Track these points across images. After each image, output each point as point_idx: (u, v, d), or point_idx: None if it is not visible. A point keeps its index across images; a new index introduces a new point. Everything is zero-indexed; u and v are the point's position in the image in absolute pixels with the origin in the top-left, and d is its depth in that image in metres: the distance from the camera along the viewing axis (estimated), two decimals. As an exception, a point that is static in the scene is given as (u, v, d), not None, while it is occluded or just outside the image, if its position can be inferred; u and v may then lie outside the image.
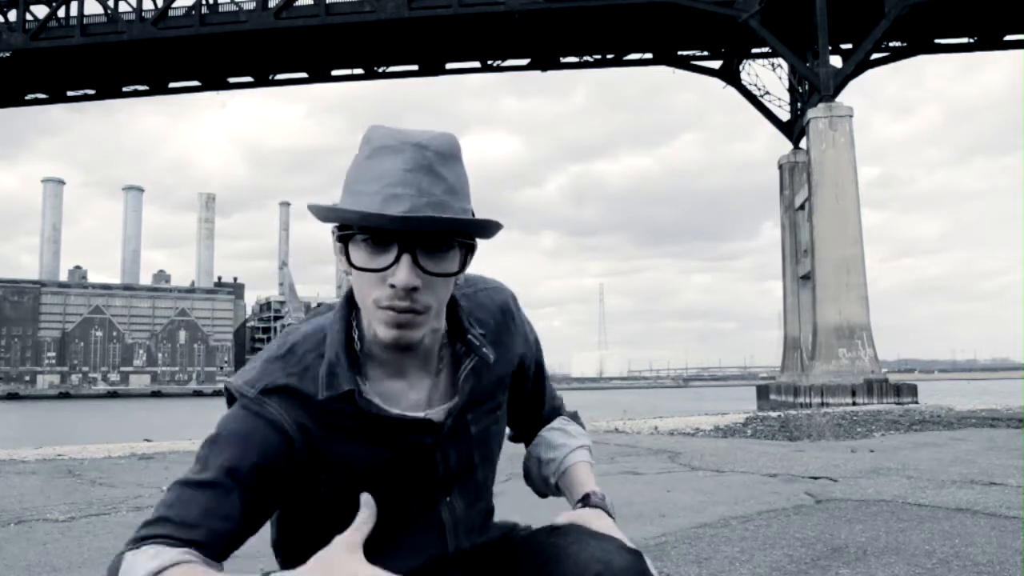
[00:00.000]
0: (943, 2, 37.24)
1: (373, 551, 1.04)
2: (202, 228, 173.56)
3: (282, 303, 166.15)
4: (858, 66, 37.95)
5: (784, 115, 43.37)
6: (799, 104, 41.55)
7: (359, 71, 49.29)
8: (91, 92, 52.07)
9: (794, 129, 41.62)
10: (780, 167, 43.39)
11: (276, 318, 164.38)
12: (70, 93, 52.50)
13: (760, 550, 2.96)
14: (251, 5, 43.17)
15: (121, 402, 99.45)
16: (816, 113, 36.17)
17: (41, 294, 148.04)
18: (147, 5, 44.47)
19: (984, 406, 11.78)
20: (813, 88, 37.69)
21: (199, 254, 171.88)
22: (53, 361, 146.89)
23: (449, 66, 48.50)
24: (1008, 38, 43.50)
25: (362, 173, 0.96)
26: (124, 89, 51.66)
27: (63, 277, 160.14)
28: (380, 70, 49.00)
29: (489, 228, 0.99)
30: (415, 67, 48.63)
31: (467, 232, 0.98)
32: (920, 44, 42.89)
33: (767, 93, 43.77)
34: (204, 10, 43.57)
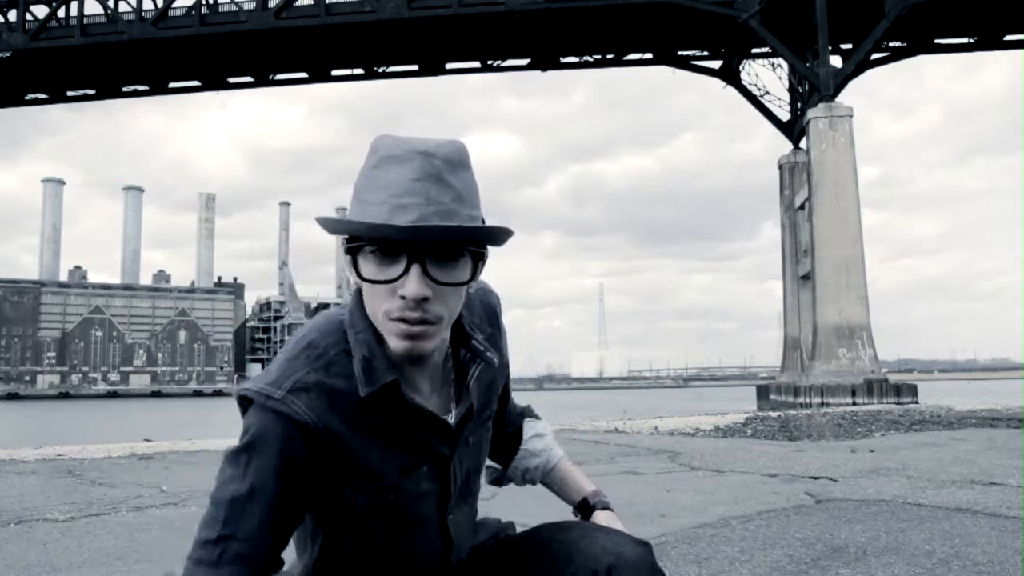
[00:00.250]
0: (943, 2, 37.25)
1: (382, 561, 1.06)
2: (202, 228, 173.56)
3: (282, 303, 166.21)
4: (858, 66, 37.97)
5: (784, 115, 43.41)
6: (799, 104, 41.56)
7: (359, 71, 49.31)
8: (91, 92, 52.10)
9: (794, 129, 41.63)
10: (780, 167, 43.40)
11: (276, 318, 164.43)
12: (70, 93, 52.52)
13: (760, 550, 2.96)
14: (251, 5, 43.18)
15: (121, 402, 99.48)
16: (816, 113, 36.19)
17: (41, 294, 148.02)
18: (147, 5, 44.55)
19: (984, 406, 11.78)
20: (813, 88, 37.71)
21: (199, 254, 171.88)
22: (53, 361, 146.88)
23: (449, 66, 48.53)
24: (1008, 38, 43.52)
25: (369, 183, 0.95)
26: (124, 89, 51.69)
27: (63, 277, 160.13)
28: (380, 70, 49.02)
29: (499, 235, 0.97)
30: (415, 67, 48.66)
31: (477, 240, 0.97)
32: (920, 44, 42.90)
33: (767, 93, 43.81)
34: (204, 10, 43.59)
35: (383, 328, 0.97)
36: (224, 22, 43.42)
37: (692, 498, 4.13)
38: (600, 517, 1.17)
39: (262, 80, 50.16)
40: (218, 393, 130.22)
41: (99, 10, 45.39)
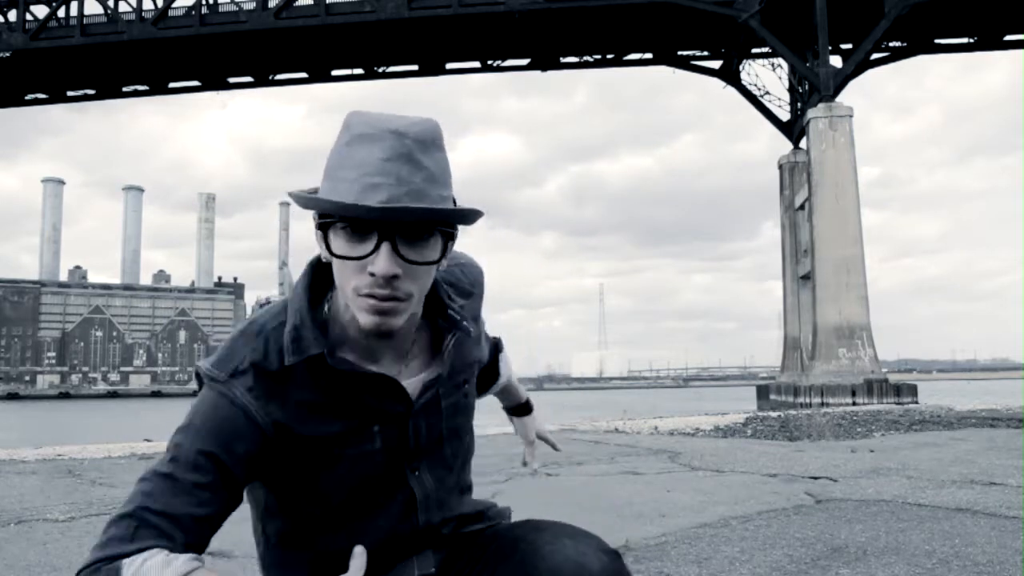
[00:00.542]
0: (943, 2, 37.24)
1: (343, 523, 1.07)
2: (202, 228, 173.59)
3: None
4: (858, 66, 37.96)
5: (784, 115, 43.40)
6: (799, 104, 41.56)
7: (359, 71, 49.30)
8: (91, 92, 52.08)
9: (794, 129, 41.63)
10: (780, 167, 43.40)
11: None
12: (70, 93, 52.51)
13: (760, 550, 2.96)
14: (251, 5, 43.17)
15: (121, 402, 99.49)
16: (816, 113, 36.18)
17: (41, 294, 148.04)
18: (147, 5, 44.52)
19: (984, 406, 11.77)
20: (813, 88, 37.70)
21: (199, 254, 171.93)
22: (53, 361, 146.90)
23: (449, 66, 48.51)
24: (1008, 38, 43.50)
25: (342, 160, 0.96)
26: (124, 89, 51.67)
27: (63, 277, 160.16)
28: (380, 70, 49.01)
29: (468, 216, 0.99)
30: (415, 67, 48.64)
31: (447, 221, 0.98)
32: (920, 44, 42.90)
33: (767, 93, 43.79)
34: (204, 10, 43.58)
35: (352, 303, 0.98)
36: (224, 22, 43.40)
37: (692, 498, 4.13)
38: (528, 420, 1.53)
39: (262, 80, 50.15)
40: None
41: (99, 10, 45.40)
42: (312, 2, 42.31)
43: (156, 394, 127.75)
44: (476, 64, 48.37)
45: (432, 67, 48.40)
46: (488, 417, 2.25)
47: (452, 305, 1.10)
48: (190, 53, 45.49)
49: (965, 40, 43.70)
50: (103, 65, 47.27)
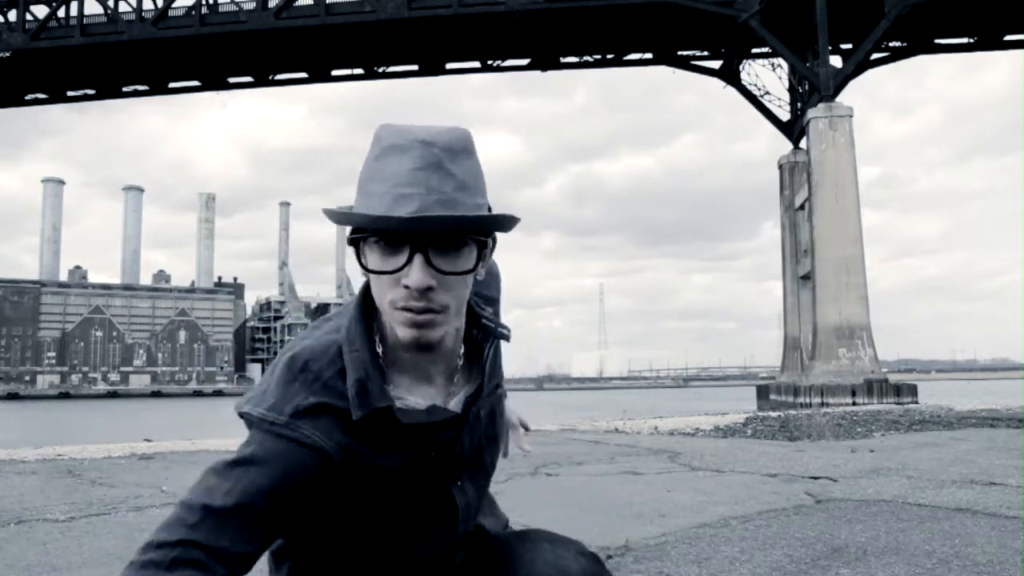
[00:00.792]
0: (943, 2, 37.25)
1: (388, 538, 1.06)
2: (202, 228, 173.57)
3: (282, 303, 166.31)
4: (858, 66, 37.97)
5: (784, 115, 43.41)
6: (799, 104, 41.56)
7: (359, 71, 49.32)
8: (91, 92, 52.12)
9: (794, 129, 41.63)
10: (780, 167, 43.40)
11: (276, 318, 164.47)
12: (70, 93, 52.53)
13: (760, 550, 2.96)
14: (251, 5, 43.18)
15: (121, 402, 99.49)
16: (816, 113, 36.18)
17: (41, 294, 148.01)
18: (147, 5, 44.57)
19: (984, 406, 11.77)
20: (813, 88, 37.71)
21: (199, 254, 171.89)
22: (53, 361, 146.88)
23: (449, 66, 48.54)
24: (1008, 38, 43.52)
25: (372, 174, 0.95)
26: (124, 89, 51.70)
27: (63, 277, 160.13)
28: (380, 70, 49.02)
29: (503, 223, 0.97)
30: (415, 67, 48.67)
31: (480, 229, 0.96)
32: (920, 44, 42.90)
33: (767, 93, 43.82)
34: (204, 10, 43.59)
35: (389, 317, 0.97)
36: (224, 22, 43.42)
37: (692, 498, 4.13)
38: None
39: (262, 80, 50.16)
40: (218, 393, 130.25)
41: (99, 10, 45.43)
42: (312, 2, 42.32)
43: (156, 394, 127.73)
44: (476, 64, 48.41)
45: (432, 67, 48.42)
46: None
47: (484, 314, 1.09)
48: (190, 53, 45.50)
49: (965, 40, 43.72)
50: (103, 65, 47.29)
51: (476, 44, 45.36)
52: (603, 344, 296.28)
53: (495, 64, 48.21)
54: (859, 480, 4.62)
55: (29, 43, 45.03)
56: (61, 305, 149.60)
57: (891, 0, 36.09)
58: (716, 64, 45.38)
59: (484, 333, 1.09)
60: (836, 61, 38.77)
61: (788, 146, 42.74)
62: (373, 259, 0.96)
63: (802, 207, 39.33)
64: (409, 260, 0.93)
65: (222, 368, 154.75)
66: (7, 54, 45.06)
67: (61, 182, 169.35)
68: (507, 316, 1.20)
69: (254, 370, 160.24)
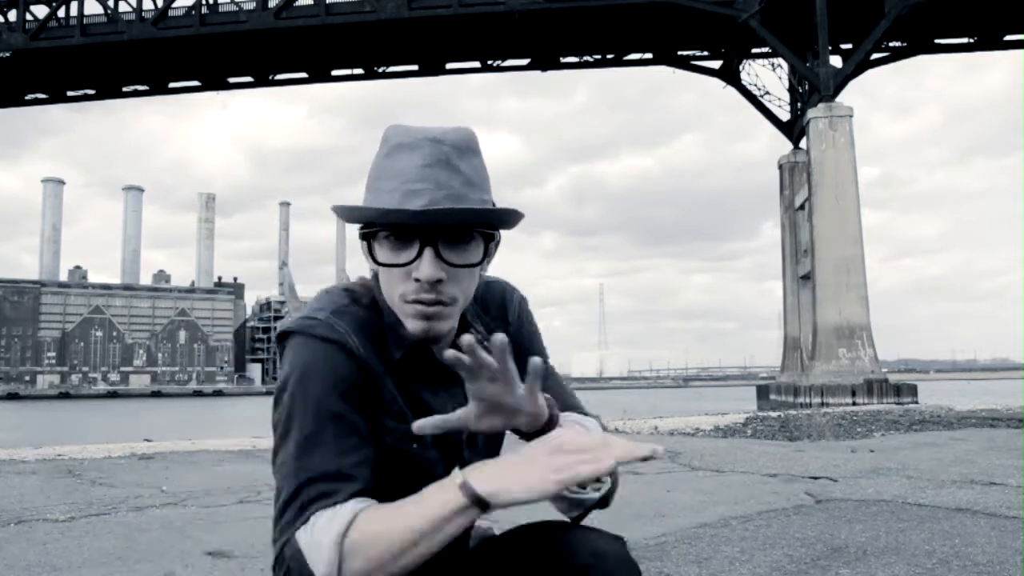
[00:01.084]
0: (943, 2, 37.24)
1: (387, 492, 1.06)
2: (202, 228, 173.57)
3: (282, 303, 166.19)
4: (858, 66, 37.96)
5: (784, 115, 43.40)
6: (799, 104, 41.56)
7: (359, 71, 49.30)
8: (91, 92, 52.09)
9: (794, 129, 41.63)
10: (780, 167, 43.40)
11: (276, 318, 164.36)
12: (70, 93, 52.52)
13: (760, 550, 2.96)
14: (251, 5, 43.17)
15: (121, 402, 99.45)
16: (816, 113, 36.17)
17: (41, 294, 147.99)
18: (147, 5, 44.55)
19: (984, 406, 11.77)
20: (813, 88, 37.70)
21: (199, 254, 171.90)
22: (53, 361, 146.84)
23: (449, 66, 48.52)
24: (1008, 38, 43.51)
25: (382, 171, 0.98)
26: (124, 89, 51.68)
27: (63, 277, 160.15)
28: (380, 70, 49.01)
29: (509, 217, 1.00)
30: (415, 67, 48.65)
31: (487, 223, 0.99)
32: (920, 44, 42.89)
33: (767, 93, 43.80)
34: (204, 10, 43.59)
35: (400, 311, 1.00)
36: (224, 22, 43.41)
37: (692, 498, 4.13)
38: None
39: (262, 80, 50.16)
40: (218, 393, 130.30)
41: (99, 10, 45.40)
42: (312, 2, 42.32)
43: (156, 394, 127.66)
44: (476, 64, 48.39)
45: (432, 67, 48.41)
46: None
47: (474, 324, 1.10)
48: (190, 53, 45.49)
49: (965, 40, 43.71)
50: (103, 65, 47.28)
51: (476, 44, 45.35)
52: (603, 344, 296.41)
53: (495, 64, 48.20)
54: (859, 480, 4.62)
55: (29, 43, 45.02)
56: (61, 305, 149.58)
57: (891, 0, 36.09)
58: (716, 64, 45.37)
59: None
60: (836, 61, 38.78)
61: (788, 146, 42.74)
62: (384, 254, 0.99)
63: (802, 207, 39.33)
64: (419, 253, 0.96)
65: (222, 368, 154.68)
66: (7, 54, 45.06)
67: (61, 182, 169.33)
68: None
69: (254, 370, 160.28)
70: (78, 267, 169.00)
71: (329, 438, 0.94)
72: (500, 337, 0.90)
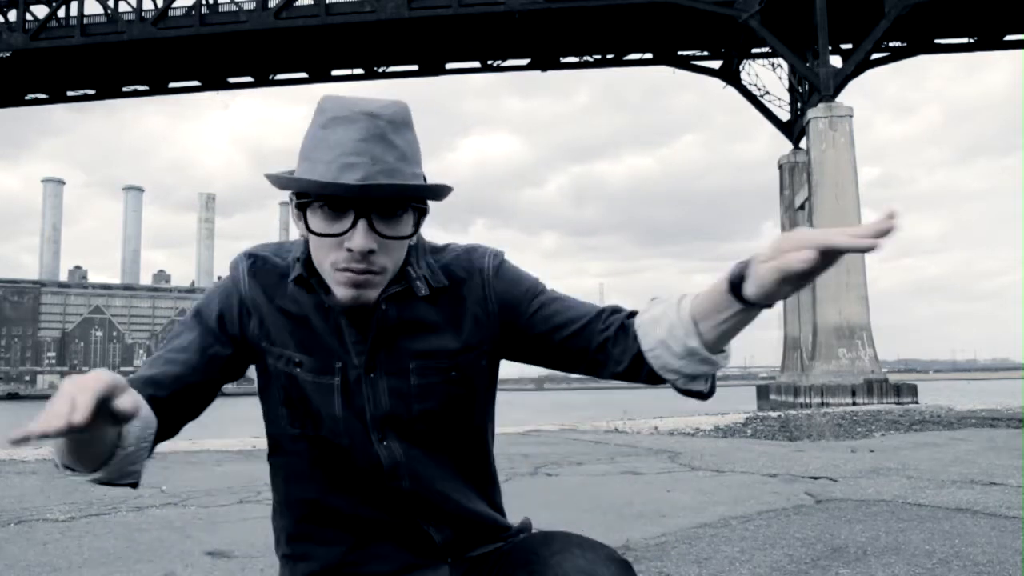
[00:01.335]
0: (943, 2, 37.22)
1: (313, 479, 1.12)
2: (202, 228, 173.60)
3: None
4: (858, 66, 37.94)
5: (784, 115, 43.37)
6: (799, 104, 41.54)
7: (359, 71, 49.26)
8: (91, 92, 52.06)
9: (794, 129, 41.62)
10: (780, 167, 43.39)
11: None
12: (70, 93, 52.49)
13: (760, 550, 2.96)
14: (251, 5, 43.15)
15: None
16: (816, 113, 36.16)
17: (41, 294, 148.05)
18: (147, 5, 44.49)
19: (984, 406, 11.78)
20: (813, 88, 37.69)
21: (199, 254, 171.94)
22: (53, 361, 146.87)
23: (449, 66, 48.49)
24: (1008, 38, 43.48)
25: (318, 142, 1.00)
26: (124, 89, 51.64)
27: (63, 277, 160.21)
28: (380, 70, 48.97)
29: (439, 192, 1.03)
30: (415, 67, 48.61)
31: (420, 197, 1.03)
32: (920, 44, 42.88)
33: (767, 93, 43.76)
34: (204, 10, 43.56)
35: (329, 278, 1.04)
36: (224, 22, 43.38)
37: (692, 498, 4.13)
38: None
39: (262, 80, 50.14)
40: (219, 393, 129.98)
41: (99, 10, 45.36)
42: (312, 2, 42.29)
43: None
44: (476, 64, 48.35)
45: (432, 67, 48.38)
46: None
47: (415, 270, 1.09)
48: (190, 53, 45.47)
49: (965, 40, 43.68)
50: (103, 65, 47.25)
51: (476, 44, 45.33)
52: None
53: (495, 64, 48.17)
54: (859, 480, 4.62)
55: (29, 43, 45.00)
56: (61, 305, 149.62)
57: (891, 0, 36.08)
58: (716, 64, 45.34)
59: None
60: (836, 61, 38.75)
61: (788, 146, 42.72)
62: (317, 223, 1.01)
63: (802, 207, 39.32)
64: (353, 224, 0.99)
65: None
66: (7, 54, 45.03)
67: (61, 182, 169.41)
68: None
69: (254, 370, 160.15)
70: (78, 267, 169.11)
71: (163, 352, 1.09)
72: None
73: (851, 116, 36.08)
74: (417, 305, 1.10)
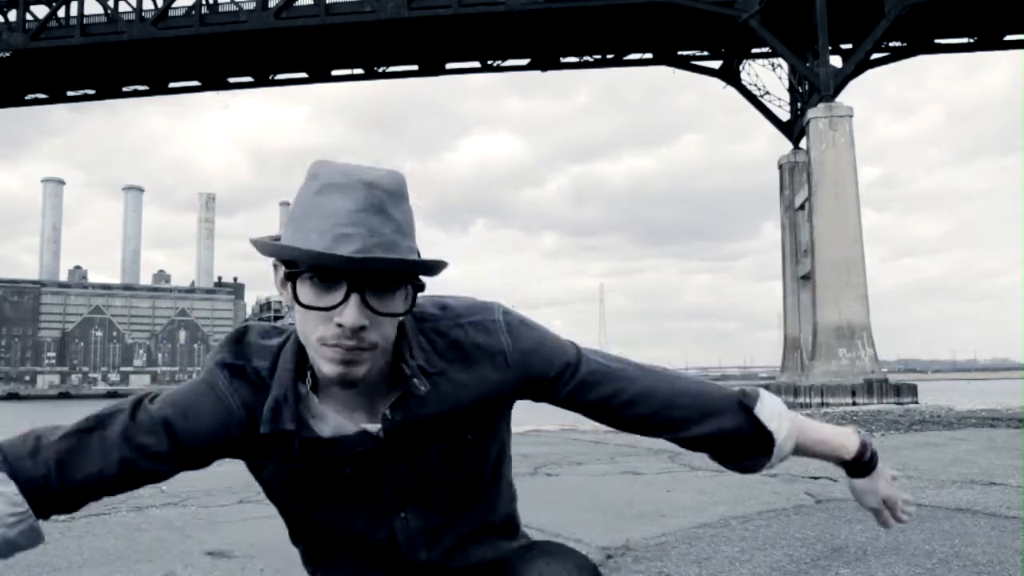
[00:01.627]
0: (943, 2, 37.23)
1: (327, 554, 1.14)
2: (202, 228, 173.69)
3: (281, 303, 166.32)
4: (858, 66, 37.95)
5: (784, 115, 43.38)
6: (799, 104, 41.55)
7: (359, 71, 49.28)
8: (91, 92, 52.06)
9: (794, 129, 41.63)
10: (780, 167, 43.40)
11: (276, 318, 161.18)
12: (70, 93, 52.50)
13: (760, 550, 2.96)
14: (251, 5, 43.16)
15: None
16: (816, 113, 36.17)
17: (41, 294, 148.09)
18: (147, 5, 44.50)
19: (984, 406, 11.77)
20: (813, 88, 37.70)
21: (199, 254, 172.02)
22: (53, 361, 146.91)
23: (449, 66, 48.49)
24: (1008, 38, 43.50)
25: (311, 210, 0.94)
26: (124, 89, 51.65)
27: (63, 277, 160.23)
28: (380, 70, 48.99)
29: (436, 267, 0.98)
30: (415, 67, 48.62)
31: (417, 272, 0.98)
32: (920, 44, 42.89)
33: (767, 93, 43.77)
34: (204, 10, 43.57)
35: (316, 352, 0.97)
36: (224, 22, 43.39)
37: (692, 498, 4.13)
38: (862, 484, 1.36)
39: (262, 80, 50.14)
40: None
41: (99, 10, 45.37)
42: (312, 2, 42.30)
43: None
44: (476, 64, 48.35)
45: (432, 67, 48.39)
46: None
47: (409, 362, 1.04)
48: (190, 53, 45.48)
49: (965, 40, 43.69)
50: (103, 65, 47.26)
51: (476, 44, 45.34)
52: (603, 344, 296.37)
53: (495, 64, 48.18)
54: (859, 480, 4.61)
55: (29, 43, 45.01)
56: (61, 305, 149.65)
57: (891, 0, 36.10)
58: (716, 64, 45.35)
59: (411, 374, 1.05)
60: (836, 61, 38.76)
61: (788, 146, 42.73)
62: (306, 294, 0.95)
63: (802, 207, 39.33)
64: (345, 298, 0.93)
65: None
66: (7, 54, 45.04)
67: (61, 182, 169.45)
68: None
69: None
70: (78, 267, 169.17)
71: (99, 430, 1.03)
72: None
73: (851, 116, 36.09)
74: (422, 401, 1.05)
